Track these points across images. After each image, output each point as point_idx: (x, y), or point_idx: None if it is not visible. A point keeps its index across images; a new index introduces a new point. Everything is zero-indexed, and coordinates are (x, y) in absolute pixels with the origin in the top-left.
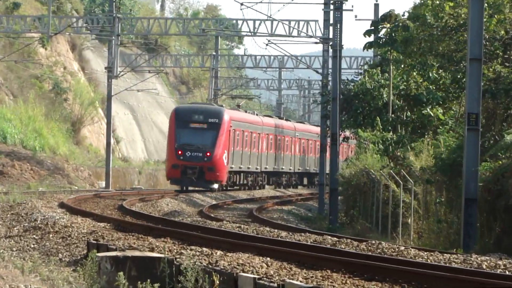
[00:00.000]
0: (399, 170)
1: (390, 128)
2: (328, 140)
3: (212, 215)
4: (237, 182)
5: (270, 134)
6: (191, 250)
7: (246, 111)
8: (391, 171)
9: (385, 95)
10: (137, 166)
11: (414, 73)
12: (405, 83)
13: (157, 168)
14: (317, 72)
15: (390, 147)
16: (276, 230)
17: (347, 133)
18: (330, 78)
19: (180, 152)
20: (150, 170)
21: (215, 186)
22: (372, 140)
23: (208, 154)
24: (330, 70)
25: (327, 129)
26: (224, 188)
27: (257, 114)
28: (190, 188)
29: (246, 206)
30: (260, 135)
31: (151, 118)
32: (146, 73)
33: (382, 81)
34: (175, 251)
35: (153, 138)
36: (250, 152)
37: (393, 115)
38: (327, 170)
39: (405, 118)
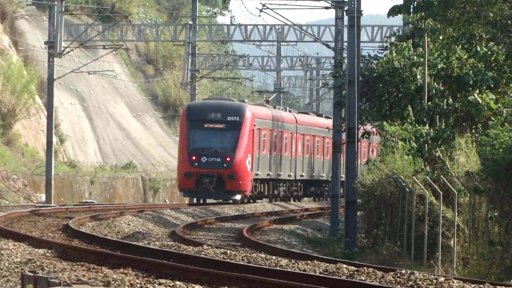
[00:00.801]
0: (438, 176)
1: (425, 120)
2: (343, 136)
3: (188, 238)
4: (265, 193)
5: (307, 134)
6: (159, 284)
7: (275, 107)
8: (427, 177)
9: (419, 77)
10: (88, 173)
11: (457, 48)
12: (445, 61)
13: (115, 175)
14: (328, 46)
15: (426, 145)
16: (273, 257)
17: (369, 127)
18: (345, 55)
19: (194, 158)
20: (106, 178)
21: (238, 197)
22: (401, 136)
23: (228, 159)
24: (346, 44)
25: (342, 122)
26: (249, 199)
27: (289, 111)
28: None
29: (234, 226)
30: (294, 136)
31: (107, 109)
32: (100, 49)
33: (415, 58)
34: (139, 286)
35: (110, 136)
36: (281, 156)
37: (429, 103)
38: (342, 176)
39: (445, 106)
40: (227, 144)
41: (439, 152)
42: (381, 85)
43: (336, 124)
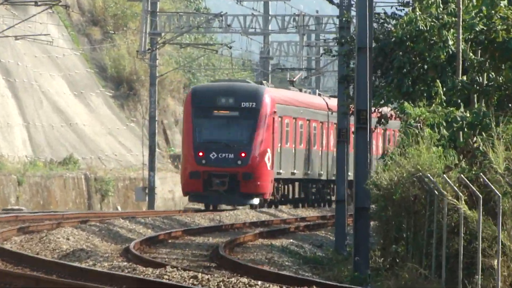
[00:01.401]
0: (477, 173)
1: (460, 100)
2: (351, 121)
3: (146, 257)
4: (290, 196)
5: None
6: None
7: (300, 90)
8: (462, 175)
9: (451, 43)
10: (15, 171)
11: (503, 3)
12: (485, 21)
13: (50, 174)
14: (331, 1)
15: (461, 133)
16: (259, 283)
17: (385, 109)
18: (354, 13)
19: (201, 154)
20: (38, 177)
21: (255, 201)
22: (428, 120)
23: (242, 154)
24: None
25: (350, 102)
26: (269, 204)
27: (319, 94)
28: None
29: (207, 240)
30: (324, 125)
31: (40, 85)
32: (31, 6)
33: (446, 17)
34: None
35: (44, 122)
36: (309, 151)
37: (465, 78)
38: (350, 175)
39: (486, 82)
40: (242, 136)
41: (478, 141)
42: (401, 53)
43: (342, 105)
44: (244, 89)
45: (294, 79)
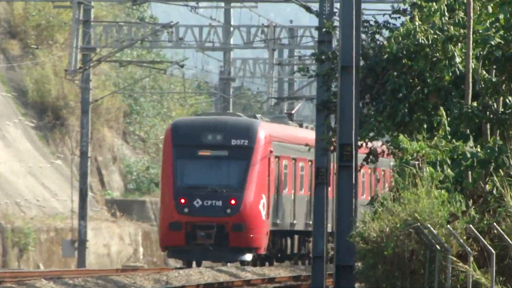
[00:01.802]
0: (490, 223)
1: (469, 131)
2: (332, 159)
3: None
4: (288, 251)
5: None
6: None
7: (301, 125)
8: (470, 226)
9: (458, 60)
10: None
11: None
12: (502, 34)
13: None
14: (308, 9)
15: (470, 172)
16: None
17: (375, 143)
18: (337, 23)
19: (183, 201)
20: None
21: (248, 257)
22: (429, 157)
23: (232, 202)
24: (338, 6)
25: (331, 135)
26: (263, 260)
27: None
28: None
29: None
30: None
31: None
32: None
33: (452, 28)
34: None
35: None
36: (312, 198)
37: (476, 103)
38: (330, 225)
39: (501, 109)
40: (232, 180)
41: (493, 183)
42: (395, 73)
43: (322, 138)
44: (234, 124)
45: (293, 111)
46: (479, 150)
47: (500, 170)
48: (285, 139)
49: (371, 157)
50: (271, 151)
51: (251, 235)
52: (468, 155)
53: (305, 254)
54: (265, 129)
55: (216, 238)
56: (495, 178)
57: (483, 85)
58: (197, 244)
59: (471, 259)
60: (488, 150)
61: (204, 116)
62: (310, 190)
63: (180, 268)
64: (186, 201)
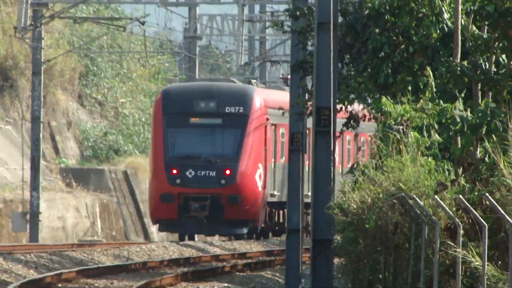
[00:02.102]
0: (482, 194)
1: (458, 92)
2: (309, 123)
3: None
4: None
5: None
6: None
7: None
8: (460, 196)
9: (446, 16)
10: None
11: None
12: None
13: None
14: None
15: (460, 138)
16: None
17: (356, 107)
18: None
19: (175, 172)
20: None
21: (244, 230)
22: (415, 121)
23: (227, 172)
24: None
25: (307, 98)
26: (259, 234)
27: None
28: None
29: (110, 285)
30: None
31: None
32: None
33: None
34: None
35: None
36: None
37: (465, 62)
38: (308, 195)
39: (494, 69)
40: (226, 149)
41: (485, 149)
42: (377, 31)
43: (297, 101)
44: (228, 90)
45: (288, 75)
46: (469, 113)
47: (493, 136)
48: (282, 106)
49: (351, 122)
50: (267, 119)
51: (247, 207)
52: (458, 119)
53: (304, 227)
54: (261, 96)
55: (210, 210)
56: (487, 144)
57: (473, 43)
58: (190, 216)
59: (461, 231)
60: (480, 114)
61: (196, 82)
62: (309, 159)
63: (142, 243)
64: (178, 172)
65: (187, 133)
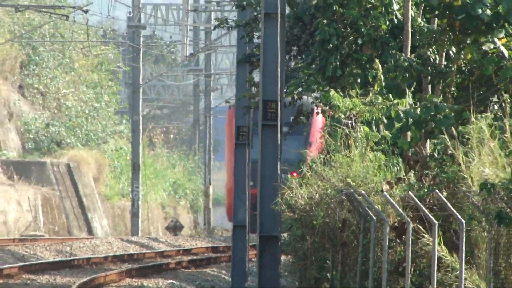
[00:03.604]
0: (432, 190)
1: (407, 86)
2: (256, 117)
3: None
4: None
5: None
6: None
7: None
8: (409, 192)
9: (396, 7)
10: None
11: None
12: None
13: None
14: None
15: (408, 133)
16: None
17: (306, 99)
18: None
19: None
20: None
21: None
22: (363, 116)
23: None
24: None
25: (253, 91)
26: None
27: None
28: None
29: (53, 281)
30: None
31: None
32: None
33: None
34: None
35: None
36: None
37: (414, 56)
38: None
39: (443, 62)
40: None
41: (432, 145)
42: (325, 22)
43: (244, 95)
44: None
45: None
46: (418, 106)
47: (438, 131)
48: None
49: (302, 115)
50: None
51: None
52: (401, 114)
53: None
54: None
55: None
56: (445, 138)
57: (421, 36)
58: None
59: (410, 228)
60: (425, 109)
61: None
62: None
63: (86, 238)
64: None
65: None
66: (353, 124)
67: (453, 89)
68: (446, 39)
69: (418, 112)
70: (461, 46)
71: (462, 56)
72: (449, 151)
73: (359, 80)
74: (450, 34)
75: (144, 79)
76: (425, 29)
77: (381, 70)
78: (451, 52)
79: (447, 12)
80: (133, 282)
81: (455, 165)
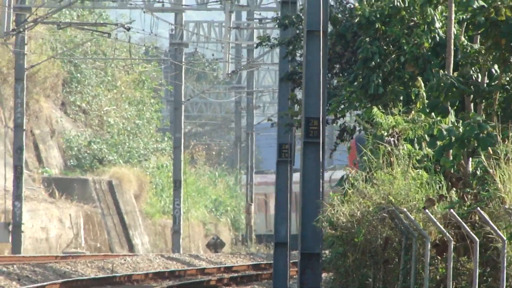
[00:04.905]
0: (473, 208)
1: (450, 104)
2: (298, 135)
3: None
4: None
5: None
6: None
7: None
8: (451, 210)
9: (438, 25)
10: None
11: None
12: None
13: None
14: None
15: (451, 151)
16: None
17: (347, 118)
18: None
19: None
20: None
21: None
22: (406, 133)
23: None
24: None
25: (296, 109)
26: None
27: None
28: None
29: None
30: None
31: None
32: None
33: None
34: None
35: None
36: None
37: (457, 74)
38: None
39: (487, 80)
40: None
41: (476, 163)
42: (367, 40)
43: (286, 112)
44: None
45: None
46: (461, 125)
47: (482, 150)
48: None
49: (345, 133)
50: None
51: None
52: (444, 132)
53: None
54: None
55: None
56: (483, 157)
57: (464, 54)
58: None
59: (451, 246)
60: (468, 128)
61: None
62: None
63: (127, 255)
64: None
65: None
66: (396, 141)
67: (496, 107)
68: (491, 57)
69: (461, 130)
70: (508, 63)
71: (508, 77)
72: (490, 169)
73: (401, 98)
74: (495, 52)
75: (186, 96)
76: (468, 48)
77: (423, 87)
78: (493, 70)
79: (493, 30)
80: None
81: (496, 183)
